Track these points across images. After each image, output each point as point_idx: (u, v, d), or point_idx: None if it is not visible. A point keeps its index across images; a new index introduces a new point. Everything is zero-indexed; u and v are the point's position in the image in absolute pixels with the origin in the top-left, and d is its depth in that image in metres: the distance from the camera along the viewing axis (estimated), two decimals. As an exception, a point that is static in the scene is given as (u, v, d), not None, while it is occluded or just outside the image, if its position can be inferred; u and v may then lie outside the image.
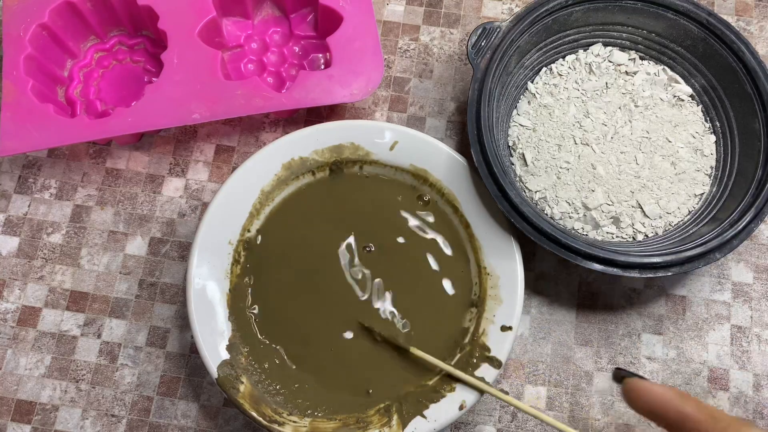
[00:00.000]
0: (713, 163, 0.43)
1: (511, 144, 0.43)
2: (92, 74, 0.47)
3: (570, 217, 0.42)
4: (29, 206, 0.44)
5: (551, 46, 0.44)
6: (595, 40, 0.45)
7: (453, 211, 0.41)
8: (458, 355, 0.39)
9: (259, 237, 0.42)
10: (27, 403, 0.41)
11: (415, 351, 0.39)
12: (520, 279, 0.39)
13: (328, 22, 0.45)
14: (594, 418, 0.41)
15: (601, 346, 0.42)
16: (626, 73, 0.45)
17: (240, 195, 0.40)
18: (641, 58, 0.45)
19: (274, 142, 0.41)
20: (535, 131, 0.43)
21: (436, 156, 0.41)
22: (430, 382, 0.39)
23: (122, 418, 0.41)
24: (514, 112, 0.44)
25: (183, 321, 0.42)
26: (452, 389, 0.38)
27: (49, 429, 0.41)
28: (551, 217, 0.42)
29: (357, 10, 0.44)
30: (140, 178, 0.45)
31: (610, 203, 0.41)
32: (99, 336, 0.42)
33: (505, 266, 0.39)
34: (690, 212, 0.42)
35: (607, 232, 0.41)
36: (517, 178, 0.43)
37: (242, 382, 0.38)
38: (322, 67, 0.47)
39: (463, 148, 0.46)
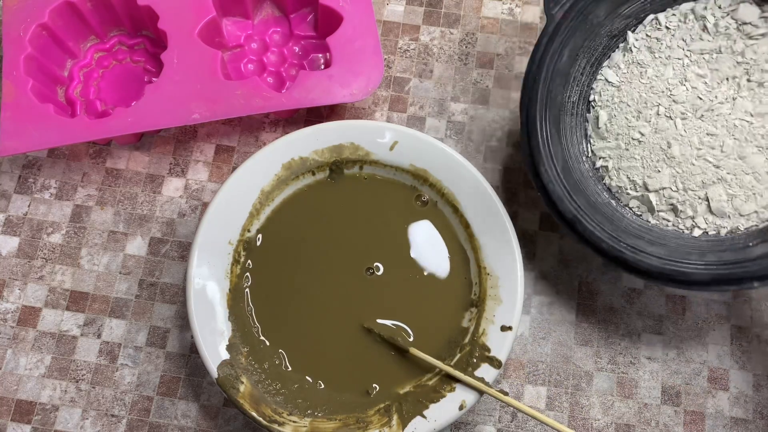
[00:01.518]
0: None
1: (591, 99, 0.39)
2: (92, 74, 0.47)
3: (627, 193, 0.38)
4: (29, 206, 0.44)
5: None
6: None
7: (453, 211, 0.41)
8: (458, 355, 0.39)
9: (259, 237, 0.42)
10: (27, 403, 0.41)
11: (415, 351, 0.39)
12: (520, 279, 0.39)
13: (328, 22, 0.45)
14: (594, 418, 0.41)
15: (601, 346, 0.42)
16: (750, 37, 0.37)
17: (240, 195, 0.40)
18: None
19: (274, 142, 0.41)
20: (620, 90, 0.38)
21: (436, 156, 0.41)
22: (430, 382, 0.39)
23: (122, 418, 0.41)
24: (606, 62, 0.39)
25: (183, 321, 0.42)
26: (452, 389, 0.38)
27: (49, 429, 0.41)
28: (608, 188, 0.38)
29: (357, 10, 0.44)
30: (140, 178, 0.45)
31: (675, 189, 0.37)
32: (99, 336, 0.42)
33: (505, 266, 0.39)
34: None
35: (663, 218, 0.38)
36: (585, 140, 0.39)
37: (242, 382, 0.38)
38: (322, 67, 0.47)
39: (463, 148, 0.46)
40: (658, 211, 0.38)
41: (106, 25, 0.47)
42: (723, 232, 0.37)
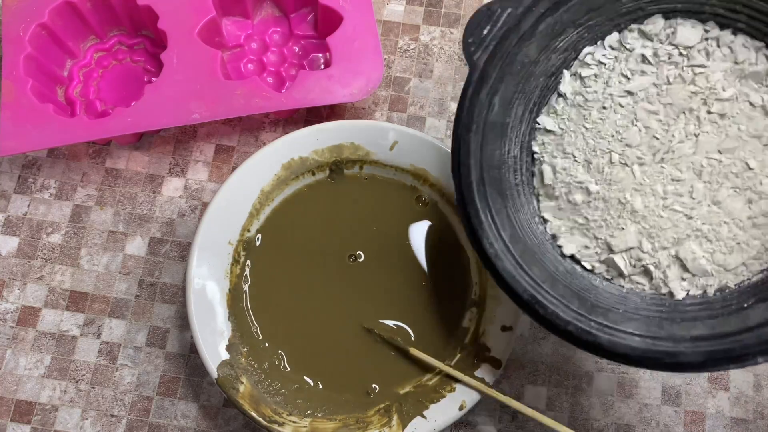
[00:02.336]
0: None
1: (534, 151, 0.33)
2: (92, 74, 0.47)
3: (587, 258, 0.32)
4: (29, 206, 0.44)
5: (593, 22, 0.32)
6: (654, 7, 0.32)
7: (453, 211, 0.41)
8: (458, 356, 0.39)
9: (259, 237, 0.41)
10: (26, 403, 0.41)
11: (415, 351, 0.39)
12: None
13: (328, 21, 0.45)
14: (594, 418, 0.41)
15: (602, 346, 0.42)
16: (694, 66, 0.31)
17: (240, 195, 0.40)
18: (733, 33, 0.31)
19: (273, 142, 0.41)
20: (562, 139, 0.33)
21: (436, 156, 0.41)
22: (430, 383, 0.39)
23: (122, 419, 0.41)
24: (545, 108, 0.33)
25: (183, 321, 0.42)
26: (452, 389, 0.38)
27: (48, 429, 0.41)
28: (563, 255, 0.32)
29: (357, 9, 0.44)
30: (140, 178, 0.45)
31: (644, 249, 0.31)
32: (98, 336, 0.42)
33: (505, 266, 0.39)
34: (763, 271, 0.31)
35: (637, 282, 0.32)
36: (536, 198, 0.33)
37: (242, 383, 0.38)
38: (322, 66, 0.47)
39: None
40: (629, 275, 0.32)
41: (105, 24, 0.47)
42: (711, 290, 0.31)
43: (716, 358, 0.28)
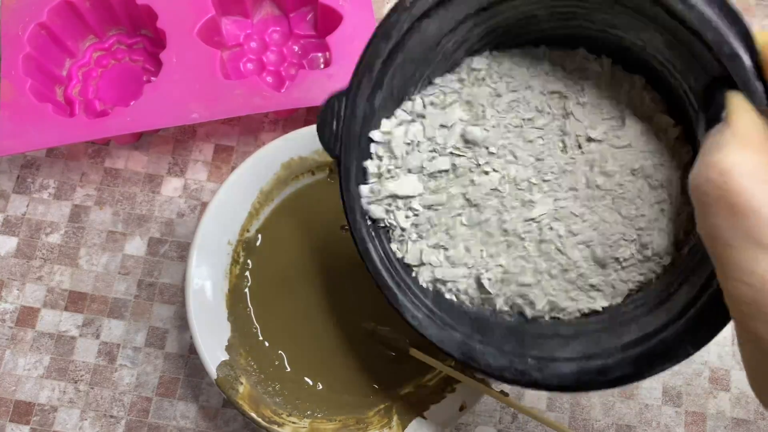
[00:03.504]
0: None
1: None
2: (91, 73, 0.46)
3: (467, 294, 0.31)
4: (28, 206, 0.44)
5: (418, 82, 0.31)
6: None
7: (453, 211, 0.41)
8: (458, 356, 0.39)
9: (259, 237, 0.41)
10: (25, 404, 0.41)
11: (415, 352, 0.39)
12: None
13: (328, 21, 0.44)
14: (595, 419, 0.41)
15: (602, 346, 0.42)
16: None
17: (239, 195, 0.40)
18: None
19: (273, 142, 0.41)
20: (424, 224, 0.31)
21: (436, 156, 0.41)
22: (431, 383, 0.39)
23: (121, 419, 0.41)
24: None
25: (182, 321, 0.42)
26: (453, 390, 0.38)
27: (47, 430, 0.40)
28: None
29: (357, 9, 0.43)
30: (139, 177, 0.45)
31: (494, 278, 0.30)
32: (98, 336, 0.42)
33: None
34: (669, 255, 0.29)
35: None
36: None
37: (241, 383, 0.38)
38: (322, 66, 0.46)
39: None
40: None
41: (104, 24, 0.46)
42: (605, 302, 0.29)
43: (648, 363, 0.26)
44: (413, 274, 0.31)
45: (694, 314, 0.25)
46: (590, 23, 0.29)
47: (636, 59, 0.29)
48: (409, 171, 0.30)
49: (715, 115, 0.22)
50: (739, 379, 0.41)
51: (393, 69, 0.29)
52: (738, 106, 0.22)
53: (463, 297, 0.31)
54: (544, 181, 0.30)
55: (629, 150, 0.29)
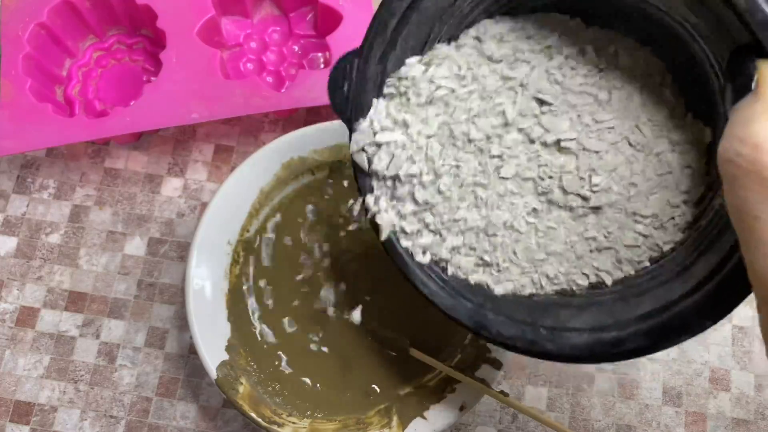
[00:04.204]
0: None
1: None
2: (91, 73, 0.46)
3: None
4: (27, 206, 0.44)
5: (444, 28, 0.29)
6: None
7: (453, 211, 0.41)
8: (459, 356, 0.39)
9: (259, 237, 0.41)
10: (25, 404, 0.41)
11: (415, 352, 0.38)
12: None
13: (328, 20, 0.44)
14: (595, 419, 0.41)
15: (602, 346, 0.42)
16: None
17: (239, 195, 0.40)
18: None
19: (273, 142, 0.41)
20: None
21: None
22: (431, 384, 0.39)
23: (121, 419, 0.41)
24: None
25: (182, 321, 0.42)
26: (453, 390, 0.38)
27: (47, 430, 0.40)
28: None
29: (357, 8, 0.43)
30: (139, 177, 0.45)
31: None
32: (98, 336, 0.42)
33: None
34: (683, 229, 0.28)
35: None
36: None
37: (241, 383, 0.38)
38: (322, 66, 0.46)
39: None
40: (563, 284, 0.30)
41: (104, 24, 0.46)
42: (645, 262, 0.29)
43: (663, 336, 0.26)
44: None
45: (713, 287, 0.25)
46: None
47: (659, 26, 0.28)
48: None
49: (743, 85, 0.21)
50: (739, 379, 0.41)
51: (407, 29, 0.28)
52: None
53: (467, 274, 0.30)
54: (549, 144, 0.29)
55: (626, 121, 0.29)
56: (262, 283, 0.41)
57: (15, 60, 0.42)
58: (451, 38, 0.30)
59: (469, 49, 0.30)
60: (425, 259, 0.30)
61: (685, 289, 0.26)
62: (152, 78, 0.45)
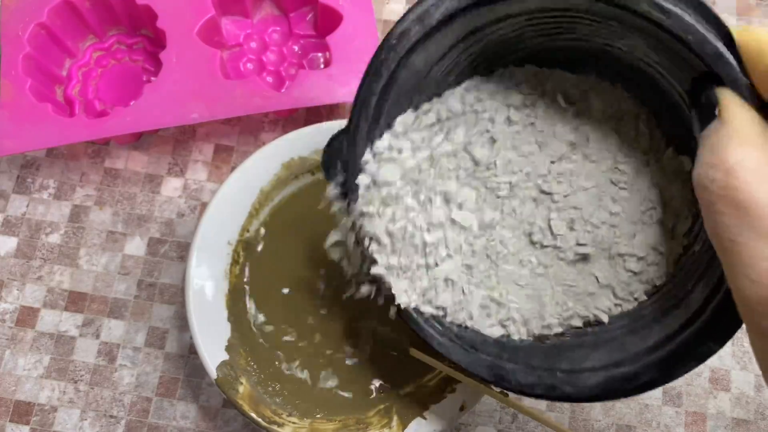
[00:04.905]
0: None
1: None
2: (91, 73, 0.46)
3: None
4: (27, 206, 0.44)
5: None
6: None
7: (453, 211, 0.41)
8: (458, 356, 0.39)
9: (259, 237, 0.41)
10: (25, 404, 0.41)
11: (415, 352, 0.38)
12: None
13: (328, 21, 0.44)
14: (595, 419, 0.41)
15: (602, 346, 0.42)
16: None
17: (239, 195, 0.40)
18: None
19: (273, 142, 0.41)
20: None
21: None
22: (431, 383, 0.39)
23: (121, 419, 0.41)
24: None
25: (182, 321, 0.42)
26: (453, 390, 0.38)
27: (47, 430, 0.40)
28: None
29: (357, 9, 0.43)
30: (139, 177, 0.45)
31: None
32: (97, 336, 0.42)
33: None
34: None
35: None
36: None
37: (241, 383, 0.38)
38: (322, 66, 0.46)
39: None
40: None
41: (104, 24, 0.46)
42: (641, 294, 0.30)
43: (673, 365, 0.26)
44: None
45: (713, 310, 0.25)
46: (574, 35, 0.29)
47: (626, 65, 0.29)
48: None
49: (707, 111, 0.22)
50: (739, 379, 0.41)
51: (388, 104, 0.29)
52: (731, 103, 0.22)
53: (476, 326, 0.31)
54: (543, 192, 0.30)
55: (603, 163, 0.30)
56: (262, 283, 0.41)
57: (15, 60, 0.42)
58: (432, 96, 0.31)
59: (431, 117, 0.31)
60: (433, 311, 0.31)
61: (687, 315, 0.26)
62: (152, 78, 0.45)
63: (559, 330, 0.30)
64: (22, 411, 0.41)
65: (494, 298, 0.30)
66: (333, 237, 0.32)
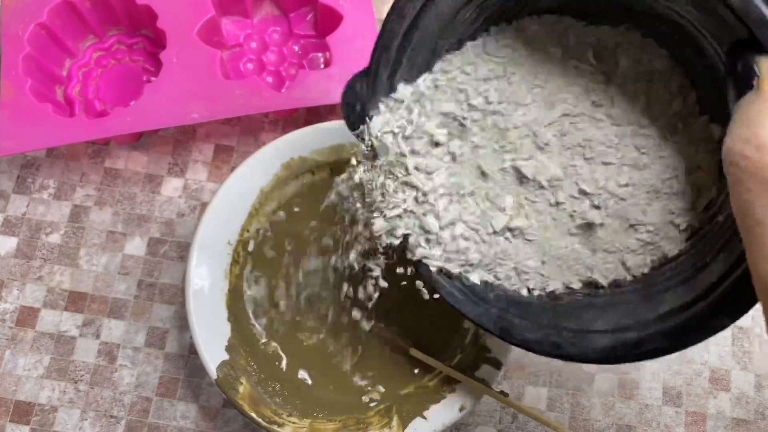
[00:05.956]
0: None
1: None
2: (91, 73, 0.46)
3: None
4: (28, 206, 0.44)
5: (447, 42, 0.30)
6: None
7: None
8: (459, 356, 0.39)
9: (259, 237, 0.41)
10: (26, 404, 0.41)
11: (415, 352, 0.39)
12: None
13: (328, 21, 0.44)
14: (595, 419, 0.41)
15: (602, 346, 0.42)
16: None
17: (239, 195, 0.40)
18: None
19: (273, 142, 0.41)
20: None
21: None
22: (431, 384, 0.39)
23: (121, 419, 0.41)
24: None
25: (182, 321, 0.42)
26: (453, 390, 0.38)
27: (47, 430, 0.40)
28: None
29: (357, 9, 0.43)
30: (139, 177, 0.45)
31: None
32: (98, 336, 0.42)
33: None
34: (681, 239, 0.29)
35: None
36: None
37: (241, 383, 0.38)
38: (322, 66, 0.46)
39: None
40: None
41: (104, 24, 0.46)
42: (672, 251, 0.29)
43: (683, 336, 0.26)
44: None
45: (731, 285, 0.25)
46: None
47: (662, 19, 0.28)
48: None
49: (744, 80, 0.21)
50: (739, 379, 0.41)
51: (411, 47, 0.28)
52: None
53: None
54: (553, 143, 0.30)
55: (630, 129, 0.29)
56: (261, 282, 0.41)
57: (15, 60, 0.42)
58: (455, 48, 0.30)
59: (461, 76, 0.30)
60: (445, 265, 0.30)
61: (704, 288, 0.26)
62: (152, 78, 0.45)
63: (564, 289, 0.30)
64: (22, 411, 0.41)
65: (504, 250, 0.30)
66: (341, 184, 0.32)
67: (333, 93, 0.42)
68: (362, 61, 0.43)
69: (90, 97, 0.46)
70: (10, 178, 0.45)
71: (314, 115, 0.46)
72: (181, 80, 0.42)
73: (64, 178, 0.45)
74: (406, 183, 0.29)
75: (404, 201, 0.29)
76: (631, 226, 0.29)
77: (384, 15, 0.28)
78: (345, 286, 0.40)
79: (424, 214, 0.29)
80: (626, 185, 0.29)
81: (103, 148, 0.46)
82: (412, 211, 0.29)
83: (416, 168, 0.29)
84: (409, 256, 0.30)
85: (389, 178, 0.29)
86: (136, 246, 0.44)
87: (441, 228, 0.29)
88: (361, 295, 0.37)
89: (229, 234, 0.40)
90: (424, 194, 0.29)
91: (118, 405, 0.41)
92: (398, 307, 0.40)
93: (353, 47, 0.43)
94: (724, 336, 0.42)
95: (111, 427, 0.40)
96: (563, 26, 0.30)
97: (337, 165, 0.42)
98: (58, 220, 0.44)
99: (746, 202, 0.20)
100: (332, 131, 0.41)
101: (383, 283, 0.34)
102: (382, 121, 0.29)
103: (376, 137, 0.29)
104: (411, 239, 0.30)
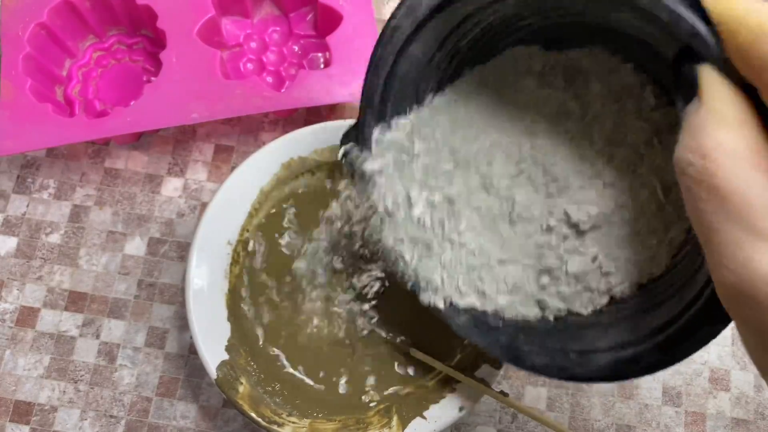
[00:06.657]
0: None
1: None
2: (91, 73, 0.46)
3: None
4: (28, 206, 0.44)
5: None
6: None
7: (453, 211, 0.41)
8: (458, 356, 0.39)
9: (259, 237, 0.41)
10: (25, 404, 0.41)
11: (415, 352, 0.39)
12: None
13: (328, 21, 0.44)
14: (595, 419, 0.41)
15: (602, 346, 0.42)
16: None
17: (239, 195, 0.40)
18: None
19: (273, 142, 0.41)
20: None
21: (436, 156, 0.41)
22: (431, 383, 0.39)
23: (121, 419, 0.41)
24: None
25: (182, 321, 0.42)
26: (452, 390, 0.38)
27: (47, 430, 0.40)
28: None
29: (357, 9, 0.43)
30: (139, 177, 0.45)
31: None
32: (98, 336, 0.42)
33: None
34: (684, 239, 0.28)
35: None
36: None
37: (241, 383, 0.38)
38: (322, 66, 0.46)
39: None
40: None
41: (104, 24, 0.46)
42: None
43: (677, 347, 0.25)
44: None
45: (712, 291, 0.24)
46: (568, 12, 0.28)
47: (627, 38, 0.27)
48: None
49: (688, 90, 0.21)
50: (739, 379, 0.41)
51: (392, 96, 0.29)
52: (711, 82, 0.20)
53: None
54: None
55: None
56: (262, 282, 0.41)
57: (15, 60, 0.42)
58: (437, 89, 0.31)
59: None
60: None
61: (692, 295, 0.25)
62: (152, 78, 0.45)
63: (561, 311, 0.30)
64: (22, 411, 0.41)
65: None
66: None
67: (333, 93, 0.42)
68: (362, 61, 0.44)
69: (90, 97, 0.46)
70: (10, 178, 0.45)
71: (314, 115, 0.46)
72: (181, 80, 0.42)
73: (64, 178, 0.45)
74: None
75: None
76: (622, 239, 0.29)
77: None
78: (345, 286, 0.40)
79: (420, 260, 0.31)
80: (606, 202, 0.29)
81: (103, 148, 0.46)
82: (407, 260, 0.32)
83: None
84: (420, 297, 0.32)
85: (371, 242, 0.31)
86: (136, 246, 0.44)
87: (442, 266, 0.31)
88: (361, 291, 0.37)
89: (229, 234, 0.40)
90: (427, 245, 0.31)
91: (118, 405, 0.41)
92: (398, 306, 0.40)
93: (353, 47, 0.43)
94: (724, 336, 0.42)
95: (111, 426, 0.40)
96: (532, 55, 0.31)
97: (337, 165, 0.42)
98: (58, 220, 0.44)
99: (698, 210, 0.20)
100: (332, 131, 0.41)
101: (381, 279, 0.34)
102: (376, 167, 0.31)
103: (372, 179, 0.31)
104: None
